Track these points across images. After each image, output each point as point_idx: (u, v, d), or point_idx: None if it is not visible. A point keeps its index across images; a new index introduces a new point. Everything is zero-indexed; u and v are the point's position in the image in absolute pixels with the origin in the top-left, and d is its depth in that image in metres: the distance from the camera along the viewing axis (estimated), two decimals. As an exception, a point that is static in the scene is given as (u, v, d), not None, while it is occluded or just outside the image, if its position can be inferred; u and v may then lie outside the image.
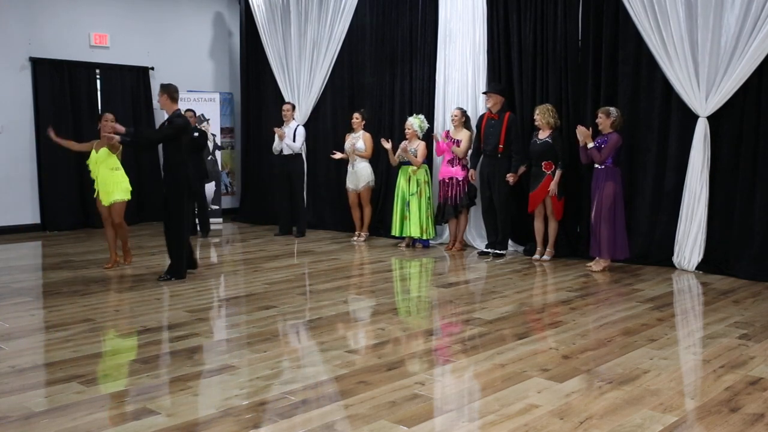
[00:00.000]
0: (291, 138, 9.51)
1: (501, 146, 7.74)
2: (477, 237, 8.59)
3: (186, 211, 6.85)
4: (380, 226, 9.54)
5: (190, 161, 6.84)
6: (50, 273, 7.22)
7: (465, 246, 8.55)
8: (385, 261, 7.89)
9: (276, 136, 9.55)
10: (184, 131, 6.70)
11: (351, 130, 9.30)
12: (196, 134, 9.54)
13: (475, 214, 8.48)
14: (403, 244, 8.76)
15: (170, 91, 6.67)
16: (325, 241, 9.29)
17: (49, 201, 10.28)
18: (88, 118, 10.63)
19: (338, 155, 9.29)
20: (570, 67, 7.71)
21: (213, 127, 11.05)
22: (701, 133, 6.81)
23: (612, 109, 6.96)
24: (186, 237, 6.82)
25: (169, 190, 6.64)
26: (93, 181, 7.25)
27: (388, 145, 8.71)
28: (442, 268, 7.50)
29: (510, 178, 7.70)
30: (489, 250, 8.02)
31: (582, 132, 6.90)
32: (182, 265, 6.72)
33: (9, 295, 6.14)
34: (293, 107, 9.84)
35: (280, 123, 9.78)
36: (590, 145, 6.83)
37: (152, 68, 11.31)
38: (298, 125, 9.72)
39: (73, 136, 10.37)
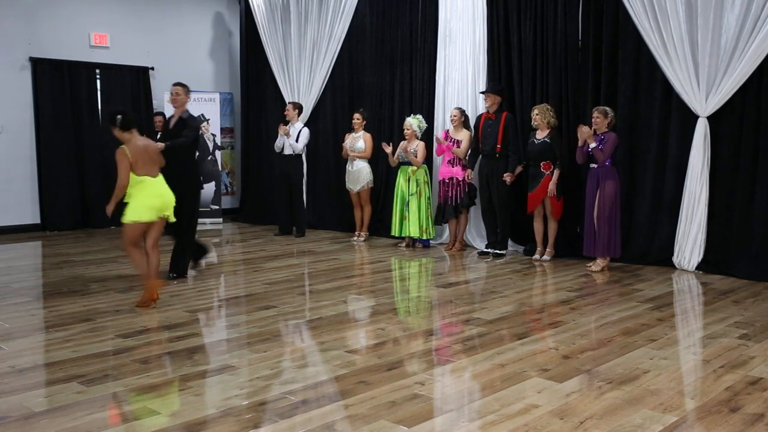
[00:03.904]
0: (294, 138, 9.50)
1: (499, 146, 7.75)
2: (477, 237, 8.59)
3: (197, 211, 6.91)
4: (380, 226, 9.54)
5: (197, 164, 7.00)
6: (50, 273, 7.22)
7: (465, 246, 8.55)
8: (385, 261, 7.89)
9: (280, 133, 9.52)
10: (197, 132, 6.79)
11: (351, 130, 9.30)
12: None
13: (475, 214, 8.48)
14: (403, 244, 8.76)
15: (186, 90, 6.76)
16: (325, 241, 9.29)
17: (49, 201, 10.28)
18: (88, 118, 10.65)
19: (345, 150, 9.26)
20: (570, 67, 7.71)
21: (213, 127, 11.06)
22: (701, 133, 6.81)
23: (608, 109, 6.97)
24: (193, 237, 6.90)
25: (185, 191, 6.51)
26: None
27: (388, 149, 8.69)
28: (442, 268, 7.50)
29: (507, 177, 7.70)
30: (489, 250, 8.02)
31: (584, 132, 6.89)
32: (186, 262, 6.84)
33: (9, 295, 6.14)
34: (294, 107, 9.66)
35: (283, 122, 9.76)
36: (593, 144, 6.83)
37: (152, 68, 11.31)
38: (303, 126, 9.72)
39: (73, 136, 10.46)
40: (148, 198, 5.51)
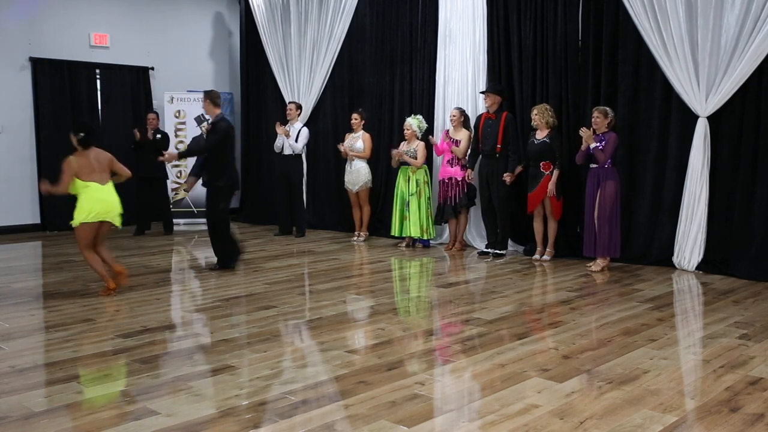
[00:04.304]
0: (294, 138, 9.50)
1: (499, 146, 7.75)
2: (477, 237, 8.59)
3: (227, 209, 7.22)
4: (380, 226, 9.54)
5: (233, 162, 7.28)
6: (50, 273, 7.22)
7: (465, 246, 8.55)
8: (384, 261, 7.89)
9: (279, 132, 9.53)
10: (228, 134, 7.02)
11: (351, 130, 9.30)
12: (158, 136, 9.78)
13: (475, 214, 8.48)
14: (403, 244, 8.76)
15: (212, 97, 7.12)
16: (325, 241, 9.29)
17: (49, 201, 10.23)
18: (88, 119, 10.64)
19: (342, 147, 9.26)
20: (570, 67, 7.71)
21: (213, 128, 11.04)
22: (701, 133, 6.81)
23: (608, 109, 6.98)
24: (229, 233, 7.28)
25: (215, 190, 7.05)
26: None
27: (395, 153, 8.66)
28: (442, 268, 7.50)
29: (506, 177, 7.70)
30: (489, 250, 8.02)
31: (586, 133, 6.88)
32: (230, 258, 7.23)
33: (9, 295, 6.14)
34: (297, 107, 9.72)
35: (283, 122, 9.76)
36: (593, 145, 6.82)
37: (152, 68, 11.31)
38: (303, 126, 9.71)
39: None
40: (90, 202, 5.86)
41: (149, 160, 9.73)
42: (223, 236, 7.17)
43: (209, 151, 7.09)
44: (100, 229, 5.97)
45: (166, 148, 10.09)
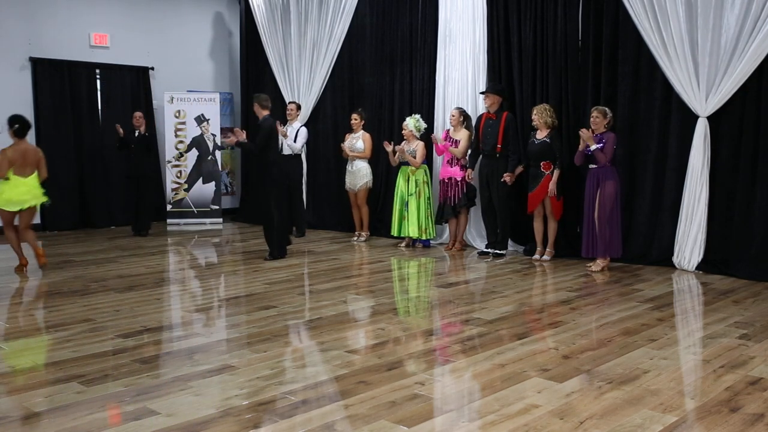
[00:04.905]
0: (293, 138, 9.51)
1: (499, 146, 7.75)
2: (477, 237, 8.59)
3: (280, 202, 7.81)
4: (380, 226, 9.54)
5: (280, 159, 7.85)
6: (50, 273, 7.21)
7: (465, 246, 8.54)
8: (384, 261, 7.89)
9: (279, 134, 9.54)
10: (269, 135, 7.56)
11: (351, 130, 9.30)
12: (146, 134, 9.77)
13: (475, 214, 8.48)
14: (403, 244, 8.76)
15: (259, 100, 7.69)
16: (325, 241, 9.29)
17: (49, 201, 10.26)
18: (88, 118, 10.66)
19: (345, 147, 9.26)
20: (570, 67, 7.71)
21: (213, 127, 11.06)
22: (701, 133, 6.81)
23: (607, 109, 6.98)
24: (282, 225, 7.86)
25: (264, 184, 7.68)
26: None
27: (389, 148, 8.70)
28: (442, 268, 7.50)
29: (507, 177, 7.70)
30: (489, 250, 8.01)
31: (586, 135, 6.88)
32: (277, 248, 7.79)
33: (9, 295, 6.14)
34: (298, 107, 9.80)
35: (283, 122, 9.77)
36: (594, 146, 6.81)
37: (152, 68, 11.32)
38: (301, 126, 9.71)
39: (73, 136, 10.47)
40: (9, 193, 6.76)
41: (137, 159, 9.73)
42: (271, 228, 7.68)
43: (258, 150, 7.55)
44: (22, 213, 6.88)
45: (153, 149, 10.09)
